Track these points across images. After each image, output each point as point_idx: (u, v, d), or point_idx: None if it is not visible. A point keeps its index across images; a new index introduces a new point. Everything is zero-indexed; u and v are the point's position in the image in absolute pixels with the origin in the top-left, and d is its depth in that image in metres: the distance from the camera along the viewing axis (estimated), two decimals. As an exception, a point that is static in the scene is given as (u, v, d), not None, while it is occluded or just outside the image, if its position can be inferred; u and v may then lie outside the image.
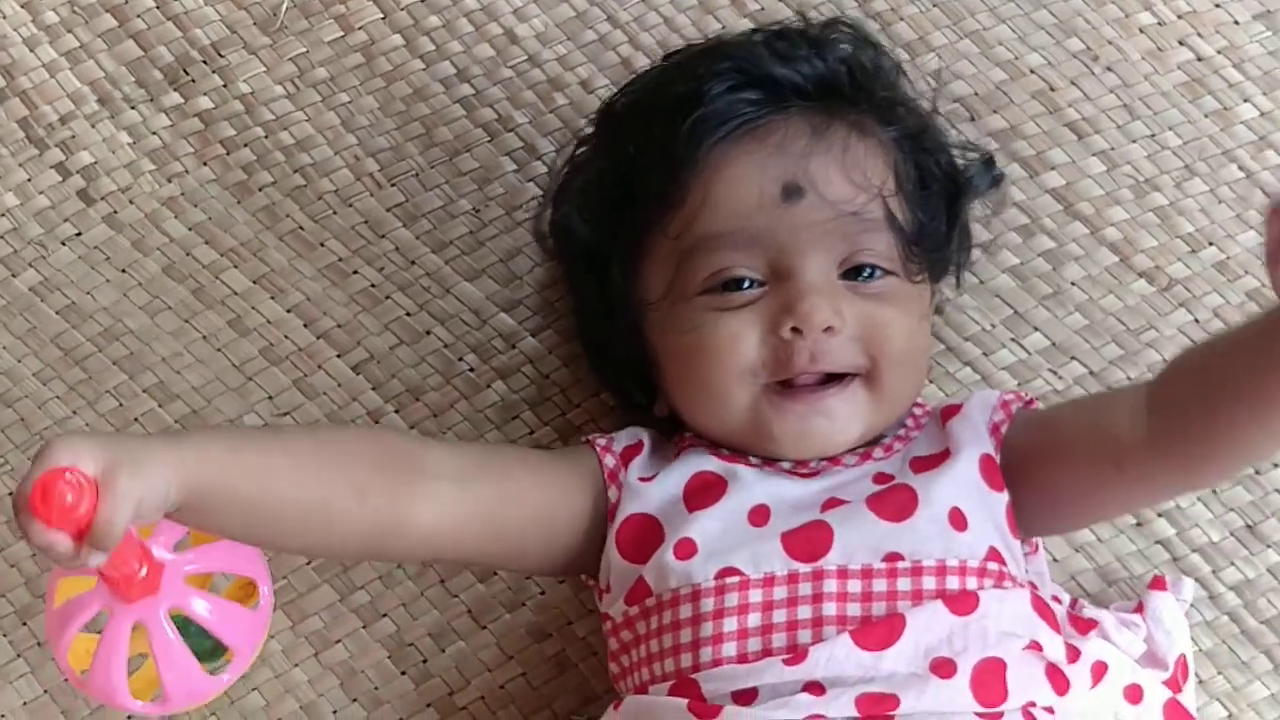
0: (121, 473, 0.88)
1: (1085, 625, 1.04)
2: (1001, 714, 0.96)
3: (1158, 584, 1.11)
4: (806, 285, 1.01)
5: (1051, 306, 1.20)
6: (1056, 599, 1.06)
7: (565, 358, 1.20)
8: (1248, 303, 1.20)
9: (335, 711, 1.14)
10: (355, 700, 1.14)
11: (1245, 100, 1.25)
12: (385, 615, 1.15)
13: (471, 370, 1.20)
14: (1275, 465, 1.17)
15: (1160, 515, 1.16)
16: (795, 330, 1.01)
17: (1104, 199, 1.23)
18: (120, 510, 0.87)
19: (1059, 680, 0.99)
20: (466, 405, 1.20)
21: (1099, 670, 1.02)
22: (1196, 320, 1.20)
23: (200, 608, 1.02)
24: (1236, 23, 1.27)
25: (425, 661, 1.15)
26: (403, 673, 1.15)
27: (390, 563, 1.15)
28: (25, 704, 1.14)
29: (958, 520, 1.00)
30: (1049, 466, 1.03)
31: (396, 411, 1.19)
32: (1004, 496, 1.02)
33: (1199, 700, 1.11)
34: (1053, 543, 1.14)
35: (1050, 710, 0.98)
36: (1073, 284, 1.21)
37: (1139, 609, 1.09)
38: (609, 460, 1.06)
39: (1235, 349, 0.94)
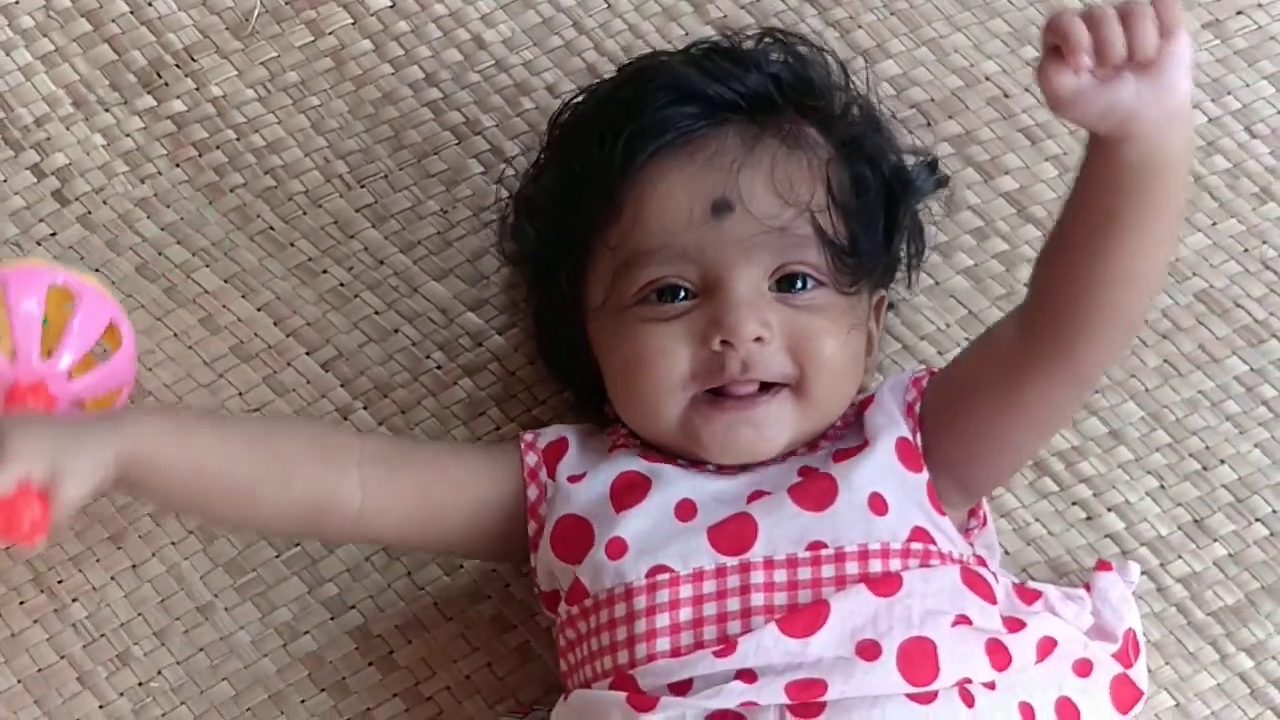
0: (67, 478, 0.99)
1: (1031, 595, 1.06)
2: (935, 693, 0.99)
3: (1103, 566, 1.14)
4: (735, 299, 1.04)
5: (1005, 307, 1.23)
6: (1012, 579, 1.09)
7: (531, 355, 1.22)
8: (1195, 303, 1.23)
9: (303, 701, 1.16)
10: (323, 690, 1.16)
11: (1194, 107, 1.27)
12: (353, 607, 1.17)
13: (439, 368, 1.23)
14: (1222, 462, 1.20)
15: (1110, 510, 1.19)
16: (725, 343, 1.04)
17: (1057, 202, 1.25)
18: (70, 509, 1.00)
19: (999, 654, 1.01)
20: (434, 402, 1.22)
21: (1046, 646, 1.03)
22: (1146, 320, 1.22)
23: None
24: (1185, 31, 1.30)
25: (392, 653, 1.16)
26: (370, 663, 1.16)
27: (329, 543, 1.18)
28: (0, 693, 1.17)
29: (878, 504, 1.03)
30: (959, 407, 1.06)
31: (365, 408, 1.22)
32: (923, 477, 1.05)
33: (1147, 690, 1.12)
34: (1005, 536, 1.17)
35: (991, 686, 1.00)
36: (1025, 285, 1.24)
37: (1086, 589, 1.11)
38: (530, 458, 1.09)
39: (1063, 217, 1.02)
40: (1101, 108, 0.93)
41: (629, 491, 1.06)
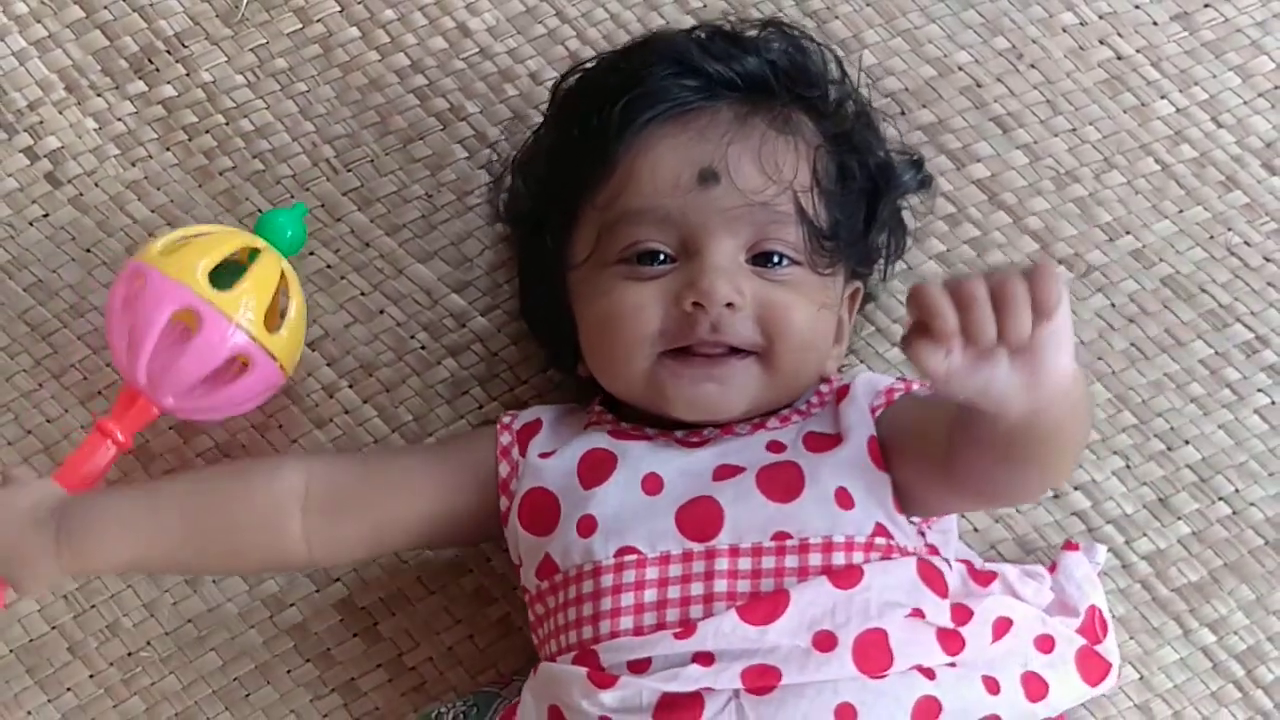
0: (15, 588, 1.10)
1: (986, 578, 1.08)
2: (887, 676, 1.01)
3: (1070, 547, 1.16)
4: (712, 264, 1.07)
5: (976, 291, 1.26)
6: (966, 562, 1.10)
7: (513, 336, 1.25)
8: (1161, 288, 1.26)
9: (289, 671, 1.18)
10: (308, 661, 1.19)
11: (1162, 97, 1.31)
12: (338, 580, 1.20)
13: (423, 348, 1.25)
14: (1187, 442, 1.22)
15: (1076, 488, 1.21)
16: (697, 305, 1.06)
17: (1026, 190, 1.28)
18: (30, 594, 1.12)
19: (952, 641, 1.03)
20: (418, 381, 1.24)
21: (1002, 626, 1.05)
22: (1113, 305, 1.25)
23: None
24: (1155, 24, 1.33)
25: (376, 624, 1.19)
26: (354, 635, 1.19)
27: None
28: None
29: (843, 498, 1.04)
30: (904, 457, 1.06)
31: (350, 386, 1.24)
32: (887, 475, 1.06)
33: (1117, 663, 1.14)
34: (973, 514, 1.20)
35: (952, 664, 1.02)
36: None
37: (1052, 569, 1.14)
38: (504, 438, 1.12)
39: (960, 425, 0.99)
40: (975, 387, 0.90)
41: (596, 468, 1.08)
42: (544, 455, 1.10)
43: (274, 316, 1.17)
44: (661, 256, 1.09)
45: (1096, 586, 1.13)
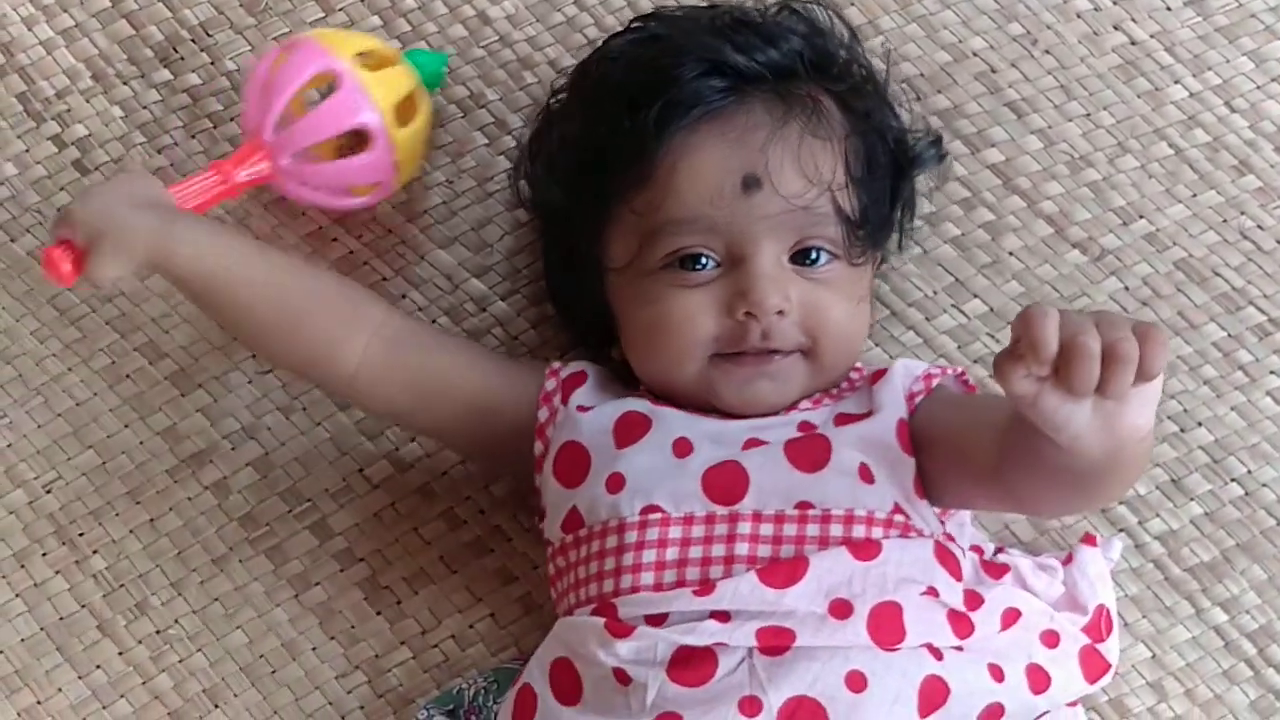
0: (97, 256, 1.10)
1: (998, 570, 1.10)
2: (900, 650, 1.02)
3: (1088, 540, 1.17)
4: (760, 273, 1.08)
5: (990, 275, 1.27)
6: (978, 549, 1.13)
7: (533, 320, 1.26)
8: (1175, 272, 1.27)
9: (314, 649, 1.20)
10: (333, 638, 1.20)
11: (1176, 82, 1.32)
12: (362, 560, 1.22)
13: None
14: (1199, 424, 1.24)
15: (1090, 469, 1.23)
16: (749, 314, 1.08)
17: (1041, 174, 1.29)
18: (101, 280, 1.11)
19: (962, 624, 1.04)
20: (439, 364, 1.26)
21: (1010, 616, 1.07)
22: (1126, 288, 1.27)
23: None
24: (1169, 9, 1.34)
25: (399, 603, 1.21)
26: (378, 613, 1.21)
27: (330, 396, 1.24)
28: (23, 640, 1.21)
29: (866, 474, 1.06)
30: (936, 453, 1.08)
31: (373, 370, 1.26)
32: (913, 461, 1.08)
33: (1124, 642, 1.17)
34: (988, 493, 1.21)
35: (959, 649, 1.04)
36: (1011, 254, 1.28)
37: (1068, 560, 1.15)
38: (550, 384, 1.14)
39: (1015, 434, 0.98)
40: (1054, 421, 0.91)
41: (630, 429, 1.10)
42: (583, 409, 1.12)
43: (402, 117, 1.21)
44: (706, 261, 1.10)
45: (1108, 585, 1.15)
